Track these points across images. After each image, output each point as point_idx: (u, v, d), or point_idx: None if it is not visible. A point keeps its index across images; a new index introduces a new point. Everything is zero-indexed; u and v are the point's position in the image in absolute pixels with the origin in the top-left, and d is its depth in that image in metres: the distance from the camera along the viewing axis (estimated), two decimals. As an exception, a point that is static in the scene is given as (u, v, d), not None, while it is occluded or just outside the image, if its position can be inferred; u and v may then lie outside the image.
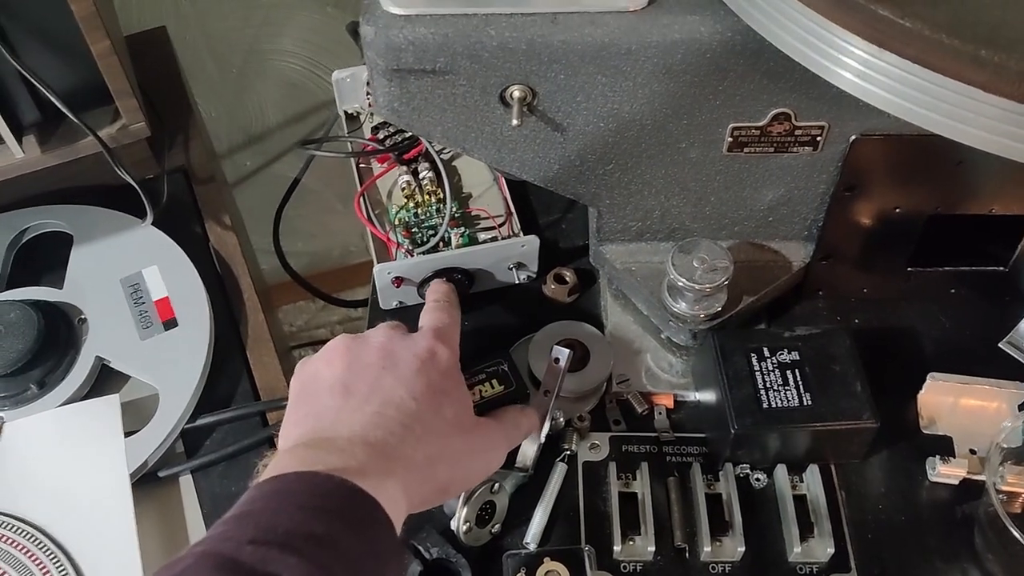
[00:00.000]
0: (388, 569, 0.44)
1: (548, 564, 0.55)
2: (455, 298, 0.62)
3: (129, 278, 0.75)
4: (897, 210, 0.61)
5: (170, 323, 0.73)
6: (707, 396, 0.61)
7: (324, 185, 1.42)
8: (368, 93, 0.74)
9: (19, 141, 0.66)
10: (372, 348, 0.53)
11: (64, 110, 0.63)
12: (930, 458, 0.60)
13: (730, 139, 0.57)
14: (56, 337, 0.71)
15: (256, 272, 0.89)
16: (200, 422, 0.69)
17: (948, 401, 0.62)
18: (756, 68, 0.53)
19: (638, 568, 0.56)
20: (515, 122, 0.54)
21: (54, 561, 0.62)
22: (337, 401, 0.51)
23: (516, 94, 0.54)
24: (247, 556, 0.39)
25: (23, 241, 0.79)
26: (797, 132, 0.57)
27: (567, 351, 0.61)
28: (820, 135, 0.57)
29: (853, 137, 0.57)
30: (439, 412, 0.51)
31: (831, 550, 0.55)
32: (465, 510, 0.55)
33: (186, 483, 0.68)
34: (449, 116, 0.56)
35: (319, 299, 1.05)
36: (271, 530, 0.41)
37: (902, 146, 0.57)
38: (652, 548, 0.56)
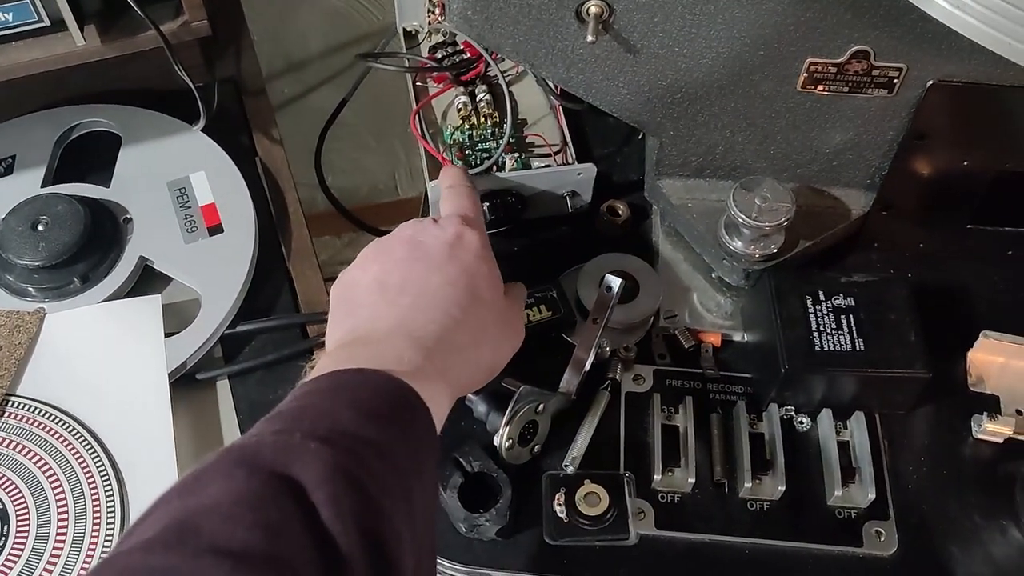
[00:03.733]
0: (424, 461, 0.43)
1: (588, 486, 0.55)
2: (468, 180, 0.60)
3: (176, 182, 0.75)
4: (965, 163, 0.60)
5: (215, 229, 0.72)
6: (757, 336, 0.61)
7: (359, 119, 1.41)
8: (429, 10, 0.73)
9: (80, 30, 0.65)
10: (400, 242, 0.53)
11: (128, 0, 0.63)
12: (976, 415, 0.59)
13: (805, 75, 0.56)
14: (101, 233, 0.71)
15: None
16: (240, 329, 0.69)
17: (998, 361, 0.61)
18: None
19: (676, 499, 0.56)
20: (590, 38, 0.53)
21: (90, 452, 0.63)
22: (373, 298, 0.51)
23: (593, 10, 0.53)
24: (268, 447, 0.39)
25: (71, 138, 0.78)
26: (874, 72, 0.56)
27: (619, 280, 0.60)
28: (897, 77, 0.56)
29: (930, 82, 0.56)
30: (476, 294, 0.51)
31: (872, 495, 0.55)
32: (509, 427, 0.55)
33: (223, 388, 0.68)
34: (522, 28, 0.55)
35: (361, 230, 1.03)
36: (298, 422, 0.41)
37: (979, 95, 0.56)
38: (692, 480, 0.56)
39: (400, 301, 0.50)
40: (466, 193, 0.58)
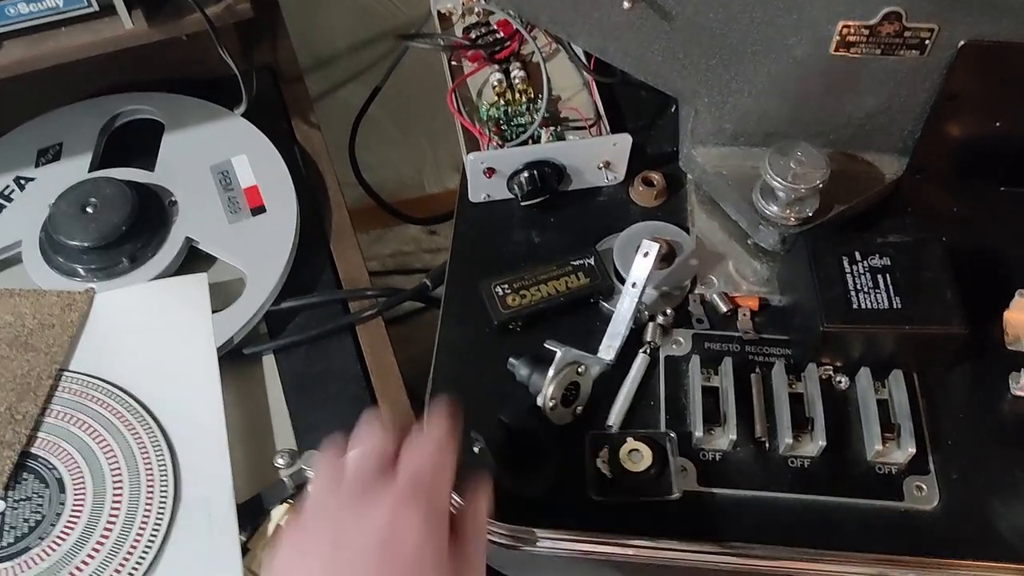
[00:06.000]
0: None
1: (631, 443, 0.56)
2: (450, 433, 0.48)
3: (218, 165, 0.77)
4: (997, 124, 0.61)
5: (258, 210, 0.74)
6: (794, 298, 0.62)
7: (384, 113, 1.43)
8: (463, -9, 0.75)
9: (128, 14, 0.67)
10: (323, 525, 0.44)
11: (173, -18, 0.65)
12: (1014, 372, 0.60)
13: (838, 38, 0.57)
14: (148, 215, 0.73)
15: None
16: (284, 305, 0.71)
17: (1035, 319, 0.62)
18: (874, -40, 0.53)
19: (717, 457, 0.57)
20: (626, 5, 0.54)
21: (142, 424, 0.64)
22: None
23: (629, -23, 0.55)
24: None
25: (115, 126, 0.81)
26: (906, 34, 0.57)
27: (656, 245, 0.61)
28: (929, 38, 0.57)
29: (962, 43, 0.57)
30: None
31: (912, 450, 0.56)
32: (552, 387, 0.56)
33: (268, 362, 0.70)
34: (559, -1, 0.57)
35: (389, 225, 1.04)
36: None
37: (1012, 55, 0.57)
38: (732, 438, 0.57)
39: None
40: (436, 453, 0.46)
